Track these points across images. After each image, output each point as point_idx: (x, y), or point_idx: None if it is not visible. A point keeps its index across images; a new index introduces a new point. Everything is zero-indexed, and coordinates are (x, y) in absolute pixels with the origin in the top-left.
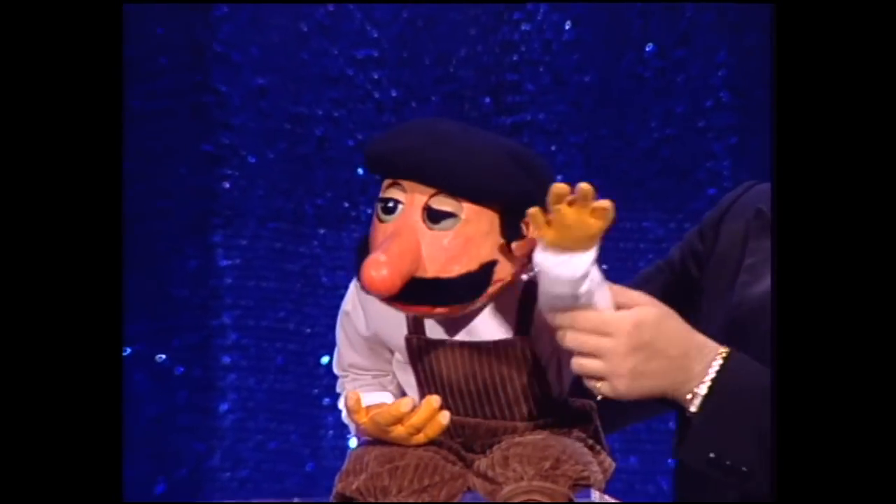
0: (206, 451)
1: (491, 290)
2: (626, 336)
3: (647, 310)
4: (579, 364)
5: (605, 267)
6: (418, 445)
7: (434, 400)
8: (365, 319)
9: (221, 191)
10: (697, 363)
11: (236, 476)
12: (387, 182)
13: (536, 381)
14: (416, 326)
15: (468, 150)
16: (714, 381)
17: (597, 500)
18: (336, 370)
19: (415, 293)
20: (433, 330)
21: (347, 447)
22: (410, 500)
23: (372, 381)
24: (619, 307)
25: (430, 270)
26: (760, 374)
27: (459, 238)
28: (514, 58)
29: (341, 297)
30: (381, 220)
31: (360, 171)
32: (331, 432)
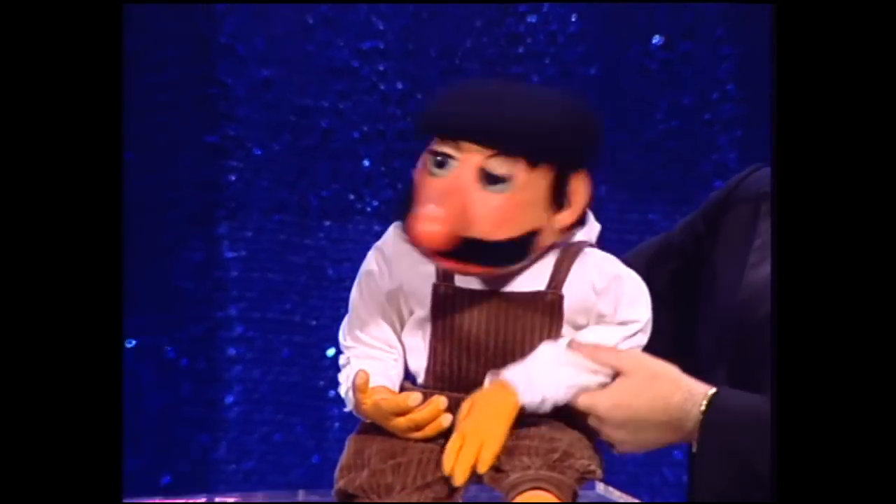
0: (212, 443)
1: (531, 256)
2: (604, 416)
3: (622, 387)
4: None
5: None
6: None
7: (441, 402)
8: (390, 272)
9: (226, 183)
10: (687, 417)
11: (241, 468)
12: (437, 139)
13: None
14: (445, 276)
15: (523, 110)
16: (698, 443)
17: (602, 493)
18: (343, 339)
19: (460, 252)
20: (462, 281)
21: None
22: (414, 497)
23: (378, 354)
24: (610, 371)
25: (478, 231)
26: (743, 411)
27: (510, 203)
28: (520, 50)
29: (347, 289)
30: (430, 174)
31: (367, 162)
32: (336, 424)
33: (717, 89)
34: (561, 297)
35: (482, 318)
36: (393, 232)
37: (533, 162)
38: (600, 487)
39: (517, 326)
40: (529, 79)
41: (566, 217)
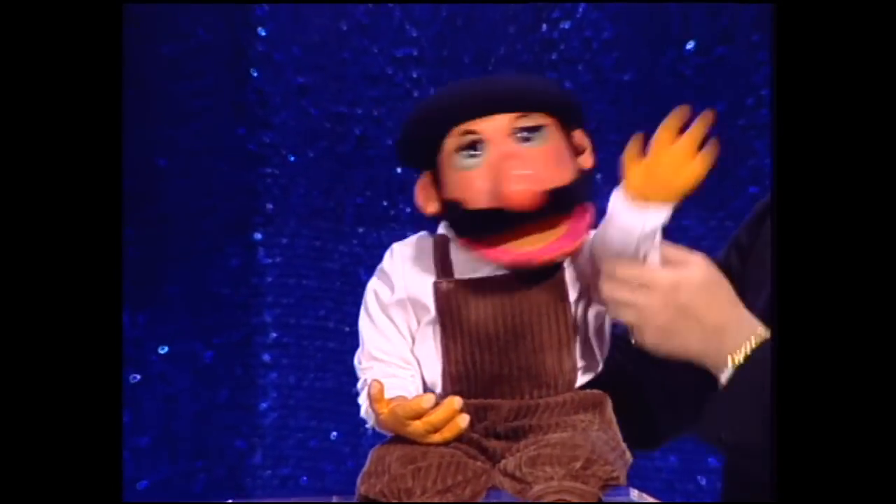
0: (248, 449)
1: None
2: (662, 294)
3: (692, 272)
4: (613, 310)
5: None
6: (434, 444)
7: (455, 401)
8: (391, 285)
9: (262, 189)
10: (731, 338)
11: (277, 473)
12: (453, 136)
13: (565, 323)
14: (443, 271)
15: (518, 76)
16: (742, 362)
17: (636, 500)
18: (360, 361)
19: (545, 208)
20: (461, 273)
21: None
22: (434, 501)
23: (395, 371)
24: (670, 264)
25: (552, 180)
26: None
27: (554, 148)
28: (554, 56)
29: None
30: (465, 168)
31: (400, 169)
32: (371, 431)
33: (752, 95)
34: (561, 268)
35: (487, 305)
36: (394, 246)
37: (548, 112)
38: (635, 494)
39: (523, 307)
40: (563, 85)
41: (586, 160)
